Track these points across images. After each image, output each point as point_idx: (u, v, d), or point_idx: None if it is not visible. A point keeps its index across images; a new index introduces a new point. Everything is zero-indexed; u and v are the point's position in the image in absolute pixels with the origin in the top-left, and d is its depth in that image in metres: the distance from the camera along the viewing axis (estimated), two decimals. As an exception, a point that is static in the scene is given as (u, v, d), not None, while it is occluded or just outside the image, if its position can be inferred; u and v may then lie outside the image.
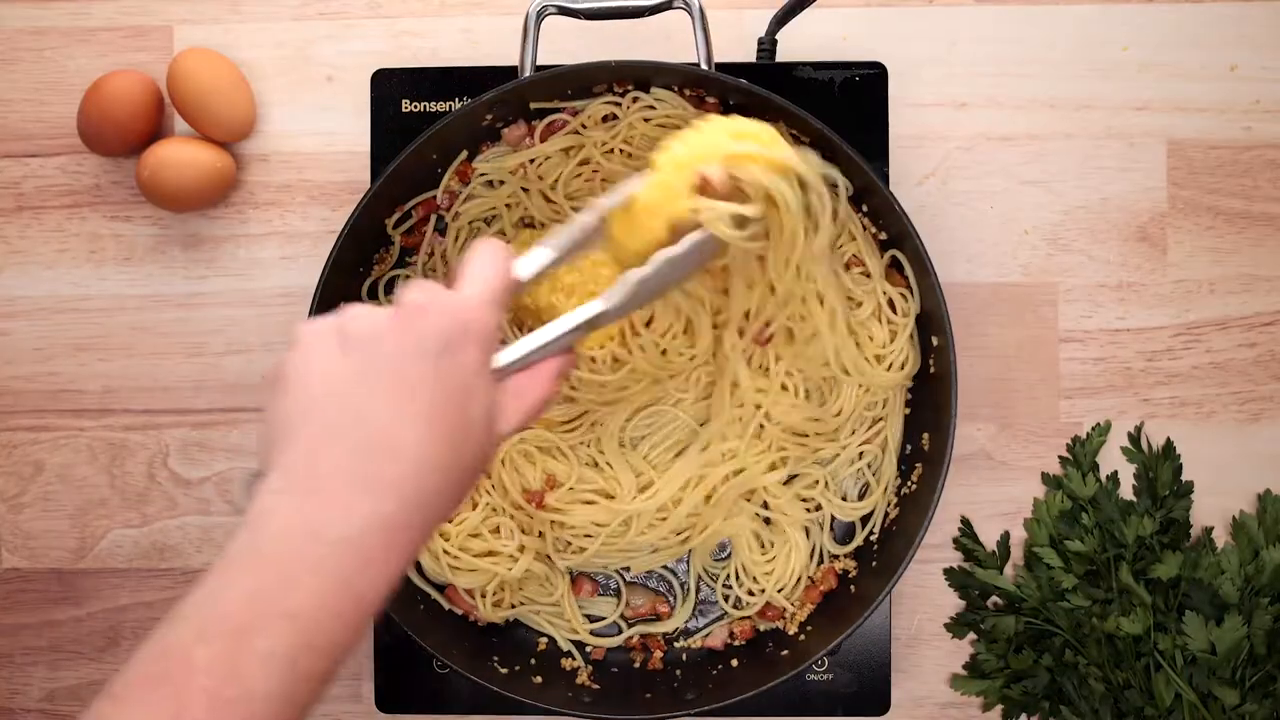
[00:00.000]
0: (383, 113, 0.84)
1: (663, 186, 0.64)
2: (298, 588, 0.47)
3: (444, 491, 0.53)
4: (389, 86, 0.84)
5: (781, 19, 0.80)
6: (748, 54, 0.84)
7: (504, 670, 0.79)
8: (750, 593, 0.82)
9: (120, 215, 0.88)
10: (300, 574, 0.48)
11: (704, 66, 0.76)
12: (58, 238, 0.88)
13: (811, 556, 0.82)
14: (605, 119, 0.81)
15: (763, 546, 0.82)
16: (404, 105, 0.84)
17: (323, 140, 0.88)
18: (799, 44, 0.85)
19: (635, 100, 0.80)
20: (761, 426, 0.80)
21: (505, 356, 0.58)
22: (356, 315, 0.54)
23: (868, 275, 0.80)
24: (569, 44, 0.81)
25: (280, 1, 0.88)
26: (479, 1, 0.88)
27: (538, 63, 0.76)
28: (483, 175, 0.82)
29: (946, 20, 0.87)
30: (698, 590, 0.83)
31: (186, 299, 0.88)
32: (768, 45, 0.82)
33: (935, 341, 0.78)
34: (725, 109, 0.80)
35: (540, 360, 0.59)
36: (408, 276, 0.83)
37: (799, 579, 0.81)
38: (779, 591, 0.81)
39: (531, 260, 0.61)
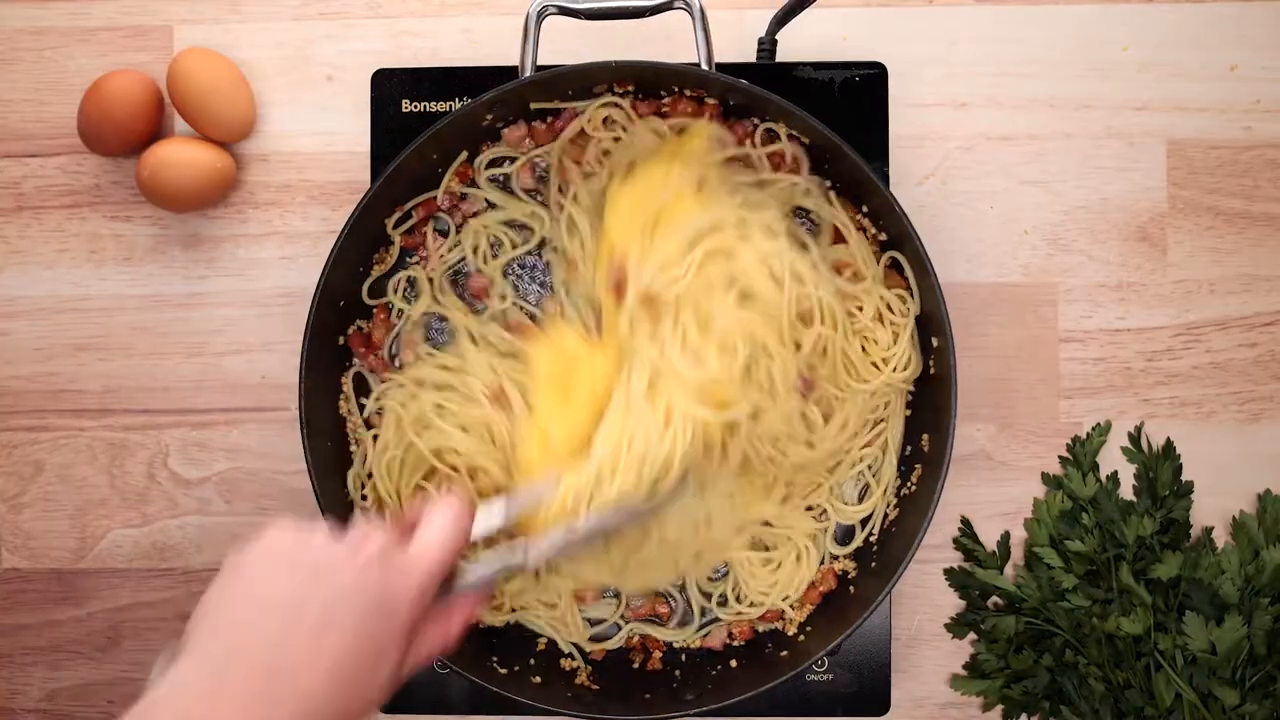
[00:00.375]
0: (383, 113, 0.84)
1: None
2: None
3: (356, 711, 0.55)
4: (389, 86, 0.84)
5: (782, 19, 0.80)
6: (748, 54, 0.84)
7: (503, 671, 0.79)
8: (752, 604, 0.82)
9: (120, 215, 0.88)
10: None
11: (704, 67, 0.76)
12: (58, 238, 0.88)
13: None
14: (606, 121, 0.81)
15: (765, 562, 0.82)
16: (404, 105, 0.84)
17: (323, 140, 0.88)
18: (799, 44, 0.85)
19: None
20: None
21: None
22: (319, 545, 0.57)
23: (858, 277, 0.80)
24: (570, 44, 0.81)
25: (280, 1, 0.88)
26: (479, 1, 0.88)
27: (538, 63, 0.76)
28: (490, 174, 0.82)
29: (946, 20, 0.87)
30: (701, 614, 0.83)
31: (186, 299, 0.88)
32: (768, 45, 0.82)
33: (935, 343, 0.78)
34: (725, 109, 0.80)
35: (452, 603, 0.62)
36: (410, 279, 0.82)
37: (805, 586, 0.81)
38: (784, 600, 0.81)
39: (482, 522, 0.65)
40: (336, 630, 0.54)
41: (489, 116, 0.79)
